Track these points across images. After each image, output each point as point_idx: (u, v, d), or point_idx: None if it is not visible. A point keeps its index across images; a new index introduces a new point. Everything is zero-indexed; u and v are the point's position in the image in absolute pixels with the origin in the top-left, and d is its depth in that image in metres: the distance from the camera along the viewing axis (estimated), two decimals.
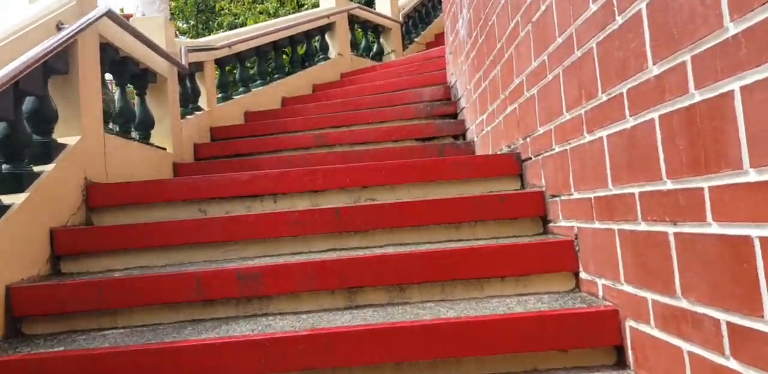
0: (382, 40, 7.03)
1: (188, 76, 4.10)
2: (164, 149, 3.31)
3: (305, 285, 1.83)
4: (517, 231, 2.15)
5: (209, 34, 7.83)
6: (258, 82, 5.05)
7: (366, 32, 7.00)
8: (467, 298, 1.85)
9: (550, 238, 1.96)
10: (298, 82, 5.42)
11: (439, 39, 7.95)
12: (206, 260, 2.13)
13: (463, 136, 3.74)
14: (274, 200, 2.45)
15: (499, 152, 2.74)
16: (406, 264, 1.83)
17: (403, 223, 2.11)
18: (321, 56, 5.95)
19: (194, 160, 3.81)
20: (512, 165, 2.41)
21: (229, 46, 4.51)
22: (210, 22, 8.09)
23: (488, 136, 2.99)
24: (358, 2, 6.91)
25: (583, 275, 1.83)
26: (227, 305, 1.87)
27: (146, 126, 3.18)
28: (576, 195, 1.81)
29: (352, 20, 6.43)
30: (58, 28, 2.24)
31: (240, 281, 1.82)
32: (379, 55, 6.90)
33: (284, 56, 5.77)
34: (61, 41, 2.11)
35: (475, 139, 3.36)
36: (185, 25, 8.26)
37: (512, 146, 2.50)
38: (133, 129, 3.09)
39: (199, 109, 4.11)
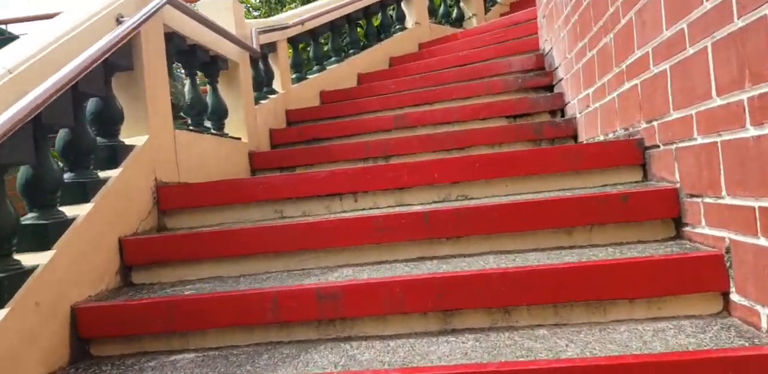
0: (462, 3, 6.52)
1: (261, 58, 3.91)
2: (239, 138, 3.15)
3: (393, 307, 1.58)
4: (642, 236, 1.78)
5: (282, 9, 7.61)
6: (332, 59, 4.79)
7: None
8: (587, 323, 1.53)
9: (689, 250, 1.58)
10: (374, 57, 5.11)
11: None
12: (282, 270, 1.94)
13: (562, 111, 3.32)
14: (355, 198, 2.21)
15: (611, 135, 2.34)
16: (511, 283, 1.54)
17: (504, 228, 1.80)
18: (397, 27, 5.59)
19: (270, 147, 3.64)
20: (633, 153, 2.02)
21: (302, 23, 4.26)
22: None
23: (596, 114, 2.58)
24: None
25: (735, 298, 1.46)
26: (307, 326, 1.66)
27: (219, 116, 3.02)
28: (729, 200, 1.43)
29: None
30: (118, 22, 2.07)
31: (320, 301, 1.60)
32: (460, 21, 6.42)
33: (359, 29, 5.47)
34: (120, 36, 1.93)
35: (578, 116, 2.95)
36: (257, 1, 8.09)
37: (631, 130, 2.10)
38: (205, 120, 2.93)
39: (273, 92, 3.93)
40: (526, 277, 1.54)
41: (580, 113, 2.90)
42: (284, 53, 4.17)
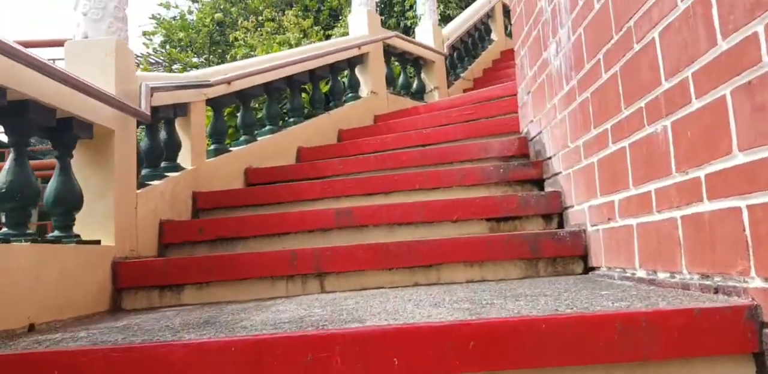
0: (423, 75, 5.88)
1: (165, 122, 2.97)
2: (97, 242, 2.12)
3: None
4: None
5: None
6: (267, 128, 3.89)
7: (404, 66, 5.88)
8: None
9: None
10: (321, 128, 4.26)
11: (488, 75, 6.78)
12: None
13: (560, 217, 2.47)
14: None
15: (664, 275, 1.46)
16: None
17: None
18: (350, 95, 4.81)
19: (158, 248, 2.61)
20: (739, 333, 1.12)
21: (228, 81, 3.38)
22: (226, 56, 7.12)
23: (628, 233, 1.71)
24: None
25: None
26: None
27: (67, 208, 2.00)
28: None
29: (388, 52, 5.31)
30: None
31: None
32: (420, 93, 5.75)
33: (303, 95, 4.65)
34: None
35: (589, 229, 2.09)
36: (198, 60, 7.30)
37: (717, 281, 1.22)
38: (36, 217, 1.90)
39: (176, 168, 2.95)
40: None
41: (593, 226, 2.04)
42: (200, 118, 3.24)
